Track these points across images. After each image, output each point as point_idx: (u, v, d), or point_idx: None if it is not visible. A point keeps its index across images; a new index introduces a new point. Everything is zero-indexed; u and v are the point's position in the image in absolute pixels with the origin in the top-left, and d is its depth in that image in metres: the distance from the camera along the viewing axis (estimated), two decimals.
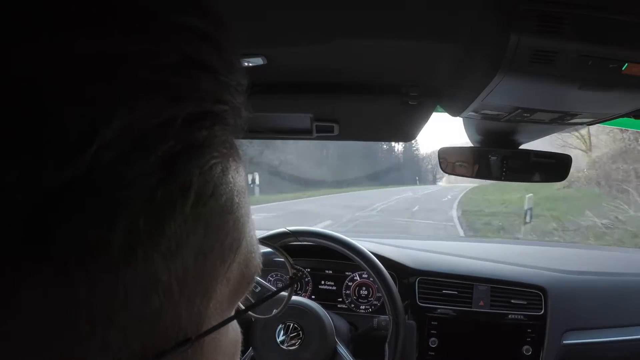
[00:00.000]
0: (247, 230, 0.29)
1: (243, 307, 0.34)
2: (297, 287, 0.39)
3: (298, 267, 0.43)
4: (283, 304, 0.49)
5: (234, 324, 0.33)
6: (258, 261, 0.32)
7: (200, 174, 0.24)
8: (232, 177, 0.27)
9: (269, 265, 1.60)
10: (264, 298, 0.37)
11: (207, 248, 0.25)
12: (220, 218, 0.26)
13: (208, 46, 0.24)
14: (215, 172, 0.25)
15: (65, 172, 0.19)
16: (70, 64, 0.19)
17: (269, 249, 0.47)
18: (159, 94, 0.21)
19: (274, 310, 0.51)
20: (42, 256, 0.19)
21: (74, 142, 0.19)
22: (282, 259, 0.45)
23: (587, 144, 17.68)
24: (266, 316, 0.48)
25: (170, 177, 0.22)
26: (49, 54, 0.19)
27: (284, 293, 0.41)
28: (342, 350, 1.40)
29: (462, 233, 13.00)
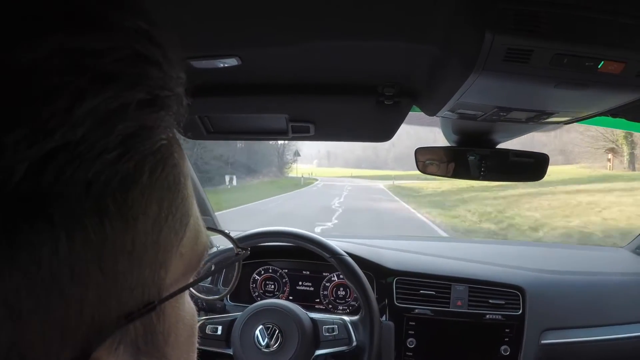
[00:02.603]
0: (193, 209, 0.34)
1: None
2: (239, 267, 0.42)
3: (242, 246, 0.46)
4: (231, 284, 0.60)
5: (189, 300, 0.37)
6: (206, 239, 0.36)
7: (152, 152, 0.28)
8: (177, 159, 0.31)
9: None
10: (212, 271, 0.41)
11: (162, 219, 0.29)
12: (170, 193, 0.30)
13: (152, 44, 0.28)
14: (164, 151, 0.29)
15: (49, 143, 0.23)
16: (52, 58, 0.23)
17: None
18: (117, 82, 0.25)
19: (226, 289, 0.54)
20: (34, 213, 0.23)
21: (57, 119, 0.23)
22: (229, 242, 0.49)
23: None
24: (216, 297, 0.51)
25: (128, 153, 0.26)
26: (38, 51, 0.23)
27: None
28: (321, 351, 1.39)
29: None
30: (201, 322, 1.41)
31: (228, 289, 0.60)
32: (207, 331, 1.40)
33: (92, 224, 0.25)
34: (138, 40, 0.27)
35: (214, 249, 1.63)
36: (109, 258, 0.26)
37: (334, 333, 1.41)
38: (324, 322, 1.43)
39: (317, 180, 52.13)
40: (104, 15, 0.27)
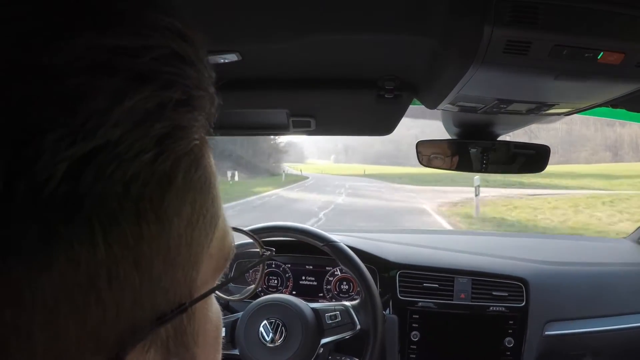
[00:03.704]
0: (221, 210, 0.34)
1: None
2: (264, 267, 0.43)
3: (267, 247, 0.49)
4: (256, 283, 0.59)
5: (215, 301, 0.37)
6: (232, 240, 0.36)
7: (186, 152, 0.28)
8: (208, 160, 0.31)
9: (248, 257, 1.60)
10: (243, 270, 0.43)
11: (194, 220, 0.29)
12: (202, 194, 0.30)
13: (186, 43, 0.28)
14: (197, 152, 0.29)
15: (88, 143, 0.22)
16: (85, 57, 0.23)
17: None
18: (153, 81, 0.25)
19: (250, 288, 0.57)
20: (72, 215, 0.23)
21: (95, 119, 0.23)
22: (254, 244, 0.49)
23: None
24: (243, 297, 0.52)
25: (164, 154, 0.26)
26: (72, 51, 0.23)
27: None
28: (327, 339, 1.40)
29: None
30: None
31: (253, 287, 0.60)
32: None
33: (129, 225, 0.25)
34: (173, 39, 0.27)
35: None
36: (145, 260, 0.26)
37: (337, 320, 1.41)
38: (326, 310, 1.43)
39: (307, 178, 44.42)
40: (137, 14, 0.26)
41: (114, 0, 0.26)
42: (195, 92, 0.28)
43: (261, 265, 0.49)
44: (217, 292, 0.38)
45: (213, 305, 0.36)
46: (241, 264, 1.57)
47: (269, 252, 0.48)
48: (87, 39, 0.24)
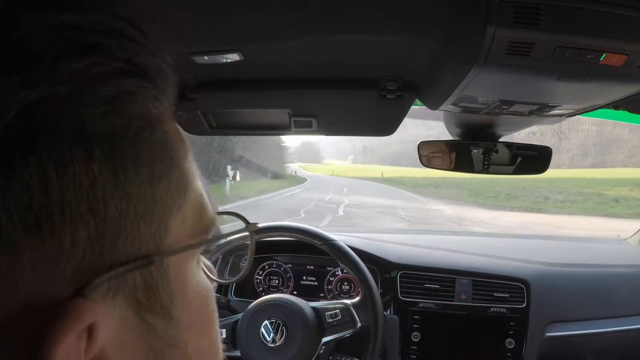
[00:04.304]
0: (194, 184, 0.36)
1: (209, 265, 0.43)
2: (253, 242, 0.43)
3: (252, 222, 0.48)
4: (247, 262, 0.57)
5: (203, 275, 0.40)
6: (212, 215, 0.39)
7: (139, 116, 0.31)
8: (170, 129, 0.34)
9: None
10: (220, 236, 0.44)
11: (156, 179, 0.32)
12: (163, 160, 0.33)
13: (132, 27, 0.32)
14: (152, 118, 0.32)
15: (35, 91, 0.26)
16: (44, 29, 0.28)
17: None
18: (99, 52, 0.29)
19: (242, 273, 0.60)
20: (26, 150, 0.26)
21: (43, 73, 0.27)
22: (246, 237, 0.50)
23: None
24: (235, 279, 0.52)
25: (113, 112, 0.29)
26: (34, 23, 0.28)
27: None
28: (328, 337, 1.40)
29: None
30: None
31: (246, 266, 0.59)
32: None
33: (80, 166, 0.27)
34: (120, 22, 0.31)
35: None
36: (99, 201, 0.28)
37: (338, 318, 1.40)
38: (326, 309, 1.42)
39: (305, 180, 40.00)
40: (94, 2, 0.31)
41: None
42: (144, 66, 0.32)
43: (251, 242, 0.49)
44: (211, 276, 0.43)
45: (195, 273, 0.38)
46: (237, 256, 1.59)
47: (254, 224, 0.48)
48: (47, 16, 0.28)
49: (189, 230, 0.36)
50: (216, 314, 0.41)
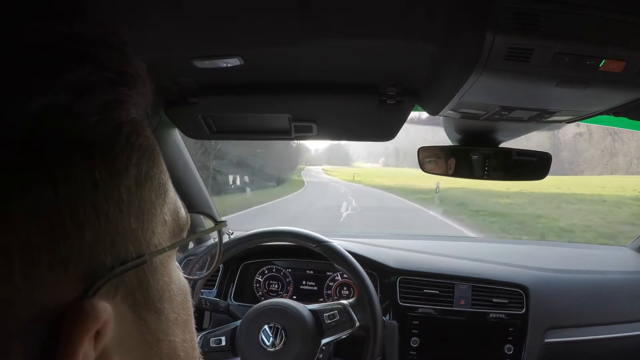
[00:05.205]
0: (169, 185, 0.39)
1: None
2: (221, 238, 0.46)
3: (221, 220, 0.52)
4: (216, 258, 0.61)
5: (179, 274, 0.42)
6: (185, 215, 0.42)
7: (127, 121, 0.34)
8: (149, 133, 0.36)
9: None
10: (197, 234, 0.46)
11: (142, 180, 0.34)
12: (147, 159, 0.35)
13: (111, 32, 0.34)
14: (137, 124, 0.35)
15: (39, 101, 0.28)
16: (43, 40, 0.30)
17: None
18: (94, 60, 0.31)
19: (211, 268, 0.59)
20: (35, 161, 0.27)
21: (44, 84, 0.28)
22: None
23: None
24: (205, 274, 0.55)
25: (107, 119, 0.32)
26: (32, 33, 0.29)
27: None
28: (327, 339, 1.39)
29: None
30: (203, 336, 1.40)
31: (214, 263, 0.63)
32: (212, 344, 1.40)
33: (83, 170, 0.29)
34: (102, 29, 0.33)
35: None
36: (102, 203, 0.30)
37: (336, 319, 1.40)
38: (324, 311, 1.42)
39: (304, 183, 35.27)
40: (78, 10, 0.33)
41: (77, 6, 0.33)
42: (128, 74, 0.34)
43: (219, 239, 0.54)
44: (183, 273, 0.44)
45: (175, 272, 0.41)
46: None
47: (223, 222, 0.51)
48: (44, 26, 0.30)
49: (170, 229, 0.38)
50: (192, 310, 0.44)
